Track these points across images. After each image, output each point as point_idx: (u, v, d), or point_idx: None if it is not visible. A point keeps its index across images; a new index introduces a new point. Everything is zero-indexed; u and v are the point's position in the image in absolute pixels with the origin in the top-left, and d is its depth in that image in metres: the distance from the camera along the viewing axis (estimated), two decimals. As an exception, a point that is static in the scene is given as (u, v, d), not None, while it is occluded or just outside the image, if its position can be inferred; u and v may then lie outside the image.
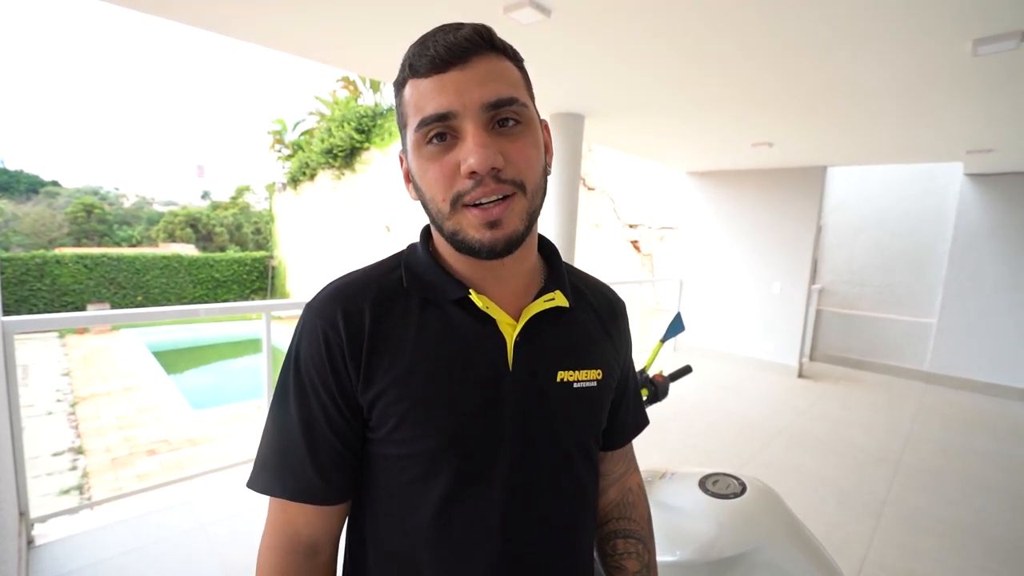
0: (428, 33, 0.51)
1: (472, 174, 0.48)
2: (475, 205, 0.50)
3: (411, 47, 0.52)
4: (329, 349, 0.53)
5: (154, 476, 4.16)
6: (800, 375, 5.26)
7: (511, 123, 0.50)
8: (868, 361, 5.70)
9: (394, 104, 0.57)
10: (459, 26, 0.51)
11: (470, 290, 0.56)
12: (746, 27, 2.01)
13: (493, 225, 0.50)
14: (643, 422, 0.77)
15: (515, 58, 0.54)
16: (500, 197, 0.50)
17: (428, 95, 0.49)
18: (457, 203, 0.50)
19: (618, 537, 0.72)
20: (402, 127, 0.54)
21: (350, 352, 0.53)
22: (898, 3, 1.74)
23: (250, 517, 2.25)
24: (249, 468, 2.81)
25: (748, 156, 4.74)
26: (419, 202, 0.55)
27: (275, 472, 0.55)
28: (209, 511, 2.30)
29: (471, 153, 0.48)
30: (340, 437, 0.55)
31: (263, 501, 0.58)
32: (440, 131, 0.49)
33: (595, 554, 0.72)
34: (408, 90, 0.52)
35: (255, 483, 0.56)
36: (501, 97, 0.49)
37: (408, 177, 0.57)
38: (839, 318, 5.93)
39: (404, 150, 0.55)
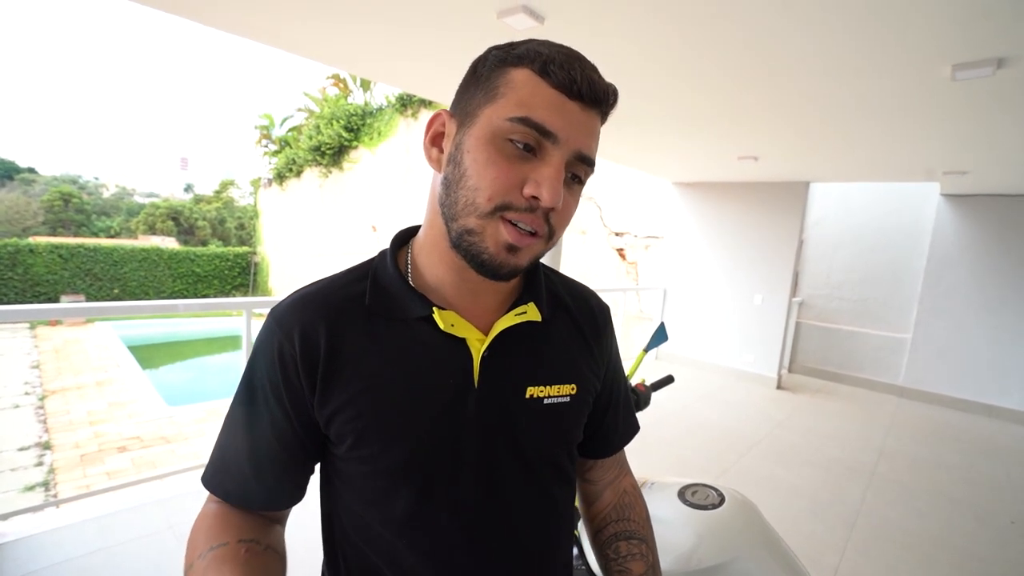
0: (572, 53, 0.49)
1: (534, 199, 0.47)
2: (511, 222, 0.48)
3: (551, 47, 0.49)
4: (283, 361, 0.52)
5: (125, 474, 4.05)
6: (779, 386, 5.34)
7: (577, 182, 0.51)
8: (844, 374, 5.82)
9: (478, 66, 0.51)
10: (597, 73, 0.50)
11: (433, 308, 0.54)
12: (734, 45, 2.04)
13: (513, 250, 0.49)
14: (634, 429, 0.76)
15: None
16: (531, 231, 0.49)
17: (545, 103, 0.46)
18: (497, 212, 0.48)
19: (619, 540, 0.70)
20: (485, 96, 0.48)
21: (304, 367, 0.52)
22: (881, 27, 1.79)
23: (223, 518, 2.20)
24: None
25: (734, 169, 4.82)
26: (435, 177, 0.52)
27: (219, 472, 0.55)
28: (181, 511, 2.24)
29: (550, 183, 0.46)
30: (285, 447, 0.54)
31: None
32: (529, 139, 0.47)
33: (595, 561, 0.71)
34: (525, 77, 0.47)
35: (203, 477, 0.56)
36: (590, 157, 0.50)
37: (437, 140, 0.52)
38: (817, 331, 6.04)
39: (461, 115, 0.50)
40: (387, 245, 0.61)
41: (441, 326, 0.54)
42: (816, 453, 3.59)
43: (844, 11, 1.71)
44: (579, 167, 0.50)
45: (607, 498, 0.73)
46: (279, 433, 0.53)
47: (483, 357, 0.55)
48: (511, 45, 0.49)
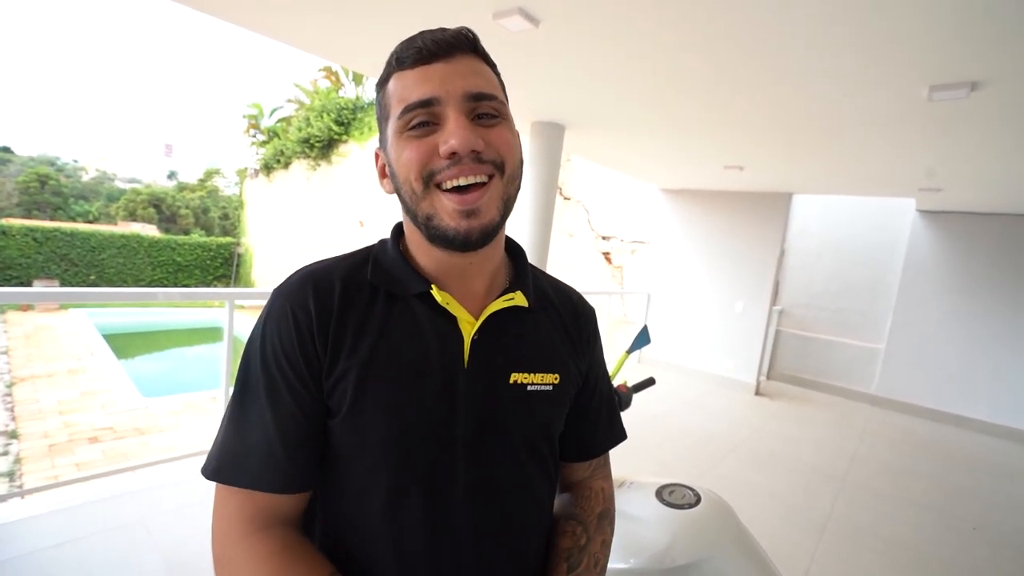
0: (415, 34, 0.53)
1: (452, 155, 0.49)
2: (452, 190, 0.51)
3: (398, 45, 0.54)
4: (299, 329, 0.53)
5: (95, 465, 3.96)
6: (757, 392, 5.44)
7: (490, 117, 0.52)
8: (820, 382, 5.95)
9: (376, 101, 0.57)
10: (445, 28, 0.53)
11: (431, 285, 0.56)
12: (725, 56, 2.08)
13: (470, 214, 0.51)
14: (619, 436, 0.76)
15: (493, 66, 0.57)
16: (478, 182, 0.51)
17: (413, 84, 0.51)
18: (430, 182, 0.51)
19: (558, 519, 0.69)
20: (383, 120, 0.55)
21: (319, 333, 0.53)
22: (864, 46, 1.84)
23: (197, 511, 2.16)
24: (198, 461, 2.71)
25: (719, 177, 4.89)
26: (395, 195, 0.56)
27: (242, 463, 0.53)
28: (153, 504, 2.20)
29: (452, 134, 0.49)
30: (311, 420, 0.54)
31: (210, 495, 0.55)
32: (423, 118, 0.50)
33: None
34: (392, 83, 0.53)
35: (220, 475, 0.53)
36: (483, 91, 0.52)
37: (384, 172, 0.57)
38: (796, 339, 6.16)
39: (383, 144, 0.56)
40: (375, 240, 0.64)
41: (439, 300, 0.56)
42: (791, 459, 3.67)
43: (830, 29, 1.76)
44: (481, 105, 0.52)
45: (571, 491, 0.73)
46: (304, 407, 0.53)
47: (473, 340, 0.57)
48: (383, 69, 0.56)
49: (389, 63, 0.54)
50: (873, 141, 3.04)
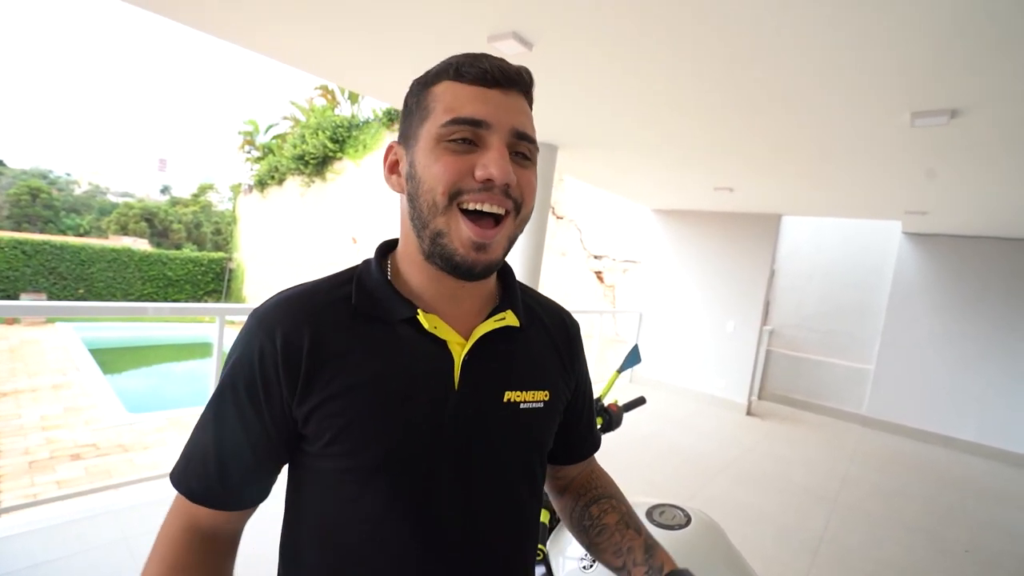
0: (479, 52, 0.54)
1: (487, 181, 0.50)
2: (472, 213, 0.51)
3: (458, 56, 0.54)
4: (263, 360, 0.53)
5: (77, 483, 3.86)
6: (748, 412, 5.44)
7: (524, 158, 0.54)
8: (811, 402, 5.96)
9: (409, 96, 0.56)
10: (507, 61, 0.54)
11: (418, 310, 0.56)
12: (715, 82, 2.15)
13: (480, 248, 0.52)
14: (596, 443, 0.79)
15: (531, 108, 0.58)
16: (498, 212, 0.52)
17: (468, 100, 0.51)
18: (454, 201, 0.51)
19: (590, 506, 0.72)
20: (418, 119, 0.54)
21: (284, 366, 0.52)
22: (849, 71, 1.91)
23: (180, 531, 2.12)
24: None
25: (710, 199, 4.97)
26: (401, 198, 0.56)
27: (185, 470, 0.55)
28: (136, 523, 2.15)
29: (494, 162, 0.50)
30: (254, 449, 0.54)
31: None
32: (467, 136, 0.51)
33: (580, 539, 0.73)
34: (442, 88, 0.53)
35: (171, 473, 0.56)
36: (528, 132, 0.53)
37: (395, 168, 0.57)
38: (787, 359, 6.19)
39: (406, 141, 0.56)
40: (368, 256, 0.63)
41: (426, 326, 0.56)
42: (782, 479, 3.66)
43: (817, 56, 1.82)
44: (521, 145, 0.53)
45: (577, 482, 0.76)
46: (250, 435, 0.54)
47: (464, 361, 0.57)
48: (429, 70, 0.55)
49: (445, 68, 0.53)
50: (859, 165, 3.11)
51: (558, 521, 1.45)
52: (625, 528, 0.68)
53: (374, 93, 3.10)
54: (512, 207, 0.53)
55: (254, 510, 0.59)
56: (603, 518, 0.70)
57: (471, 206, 0.51)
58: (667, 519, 1.30)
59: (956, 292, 5.13)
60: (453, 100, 0.51)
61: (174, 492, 0.55)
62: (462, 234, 0.51)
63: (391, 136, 10.85)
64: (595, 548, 0.70)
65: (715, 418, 5.13)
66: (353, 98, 13.94)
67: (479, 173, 0.50)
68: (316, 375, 0.53)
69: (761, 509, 3.11)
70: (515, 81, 0.53)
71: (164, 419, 5.36)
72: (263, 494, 0.57)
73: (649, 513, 1.32)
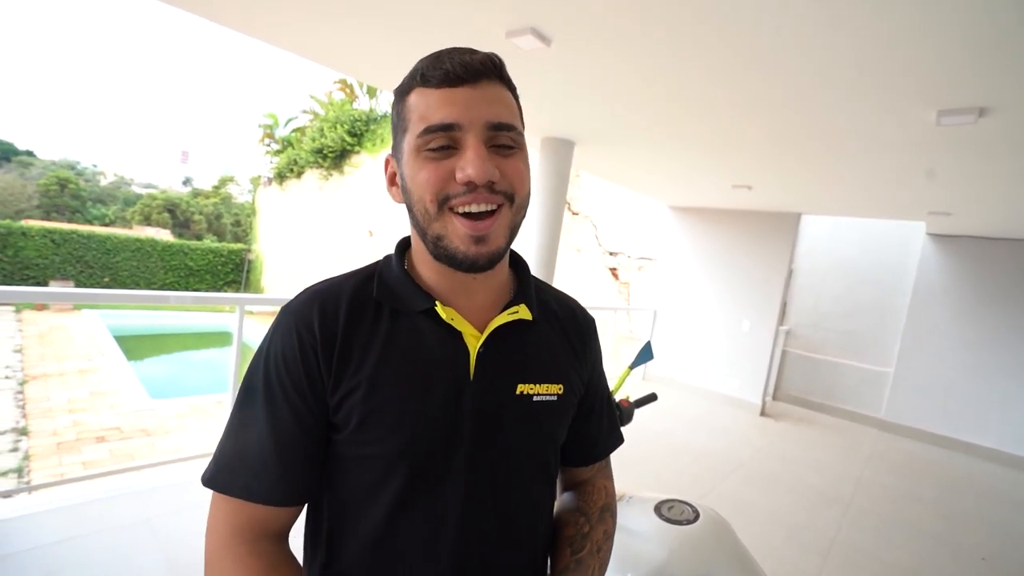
0: (443, 50, 0.54)
1: (468, 183, 0.51)
2: (465, 215, 0.52)
3: (423, 60, 0.54)
4: (303, 349, 0.55)
5: (101, 464, 4.00)
6: (762, 413, 5.38)
7: (506, 148, 0.54)
8: (827, 404, 5.87)
9: (392, 108, 0.58)
10: (473, 51, 0.54)
11: (436, 302, 0.58)
12: (735, 78, 2.12)
13: (479, 241, 0.53)
14: (617, 440, 0.78)
15: (515, 91, 0.58)
16: (489, 209, 0.52)
17: (436, 105, 0.52)
18: (444, 205, 0.52)
19: (562, 513, 0.72)
20: (399, 131, 0.56)
21: (323, 352, 0.55)
22: (874, 68, 1.87)
23: (200, 514, 2.17)
24: (203, 464, 2.72)
25: (728, 196, 4.91)
26: (404, 205, 0.58)
27: (237, 473, 0.55)
28: (157, 504, 2.22)
29: (470, 163, 0.50)
30: (310, 436, 0.56)
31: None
32: (443, 142, 0.51)
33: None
34: (414, 97, 0.54)
35: (215, 482, 0.55)
36: (503, 121, 0.53)
37: (393, 180, 0.59)
38: (803, 360, 6.10)
39: (395, 153, 0.57)
40: (384, 250, 0.66)
41: (443, 317, 0.58)
42: (795, 481, 3.62)
43: (841, 51, 1.79)
44: (500, 136, 0.53)
45: (575, 489, 0.76)
46: (302, 424, 0.55)
47: (479, 353, 0.58)
48: (402, 80, 0.56)
49: (413, 76, 0.54)
50: (882, 164, 3.05)
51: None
52: (565, 547, 0.68)
53: (391, 87, 3.12)
54: (503, 199, 0.53)
55: (302, 509, 0.60)
56: (562, 528, 0.70)
57: (461, 209, 0.52)
58: (675, 514, 1.31)
59: (980, 295, 5.00)
60: (424, 108, 0.52)
61: (205, 492, 0.55)
62: (459, 232, 0.53)
63: (408, 130, 10.89)
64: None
65: (728, 417, 5.09)
66: (371, 92, 14.04)
67: (459, 176, 0.51)
68: (346, 365, 0.55)
69: (772, 509, 3.09)
70: (481, 72, 0.52)
71: (185, 405, 5.51)
72: (318, 485, 0.59)
73: (657, 508, 1.33)
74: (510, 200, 0.54)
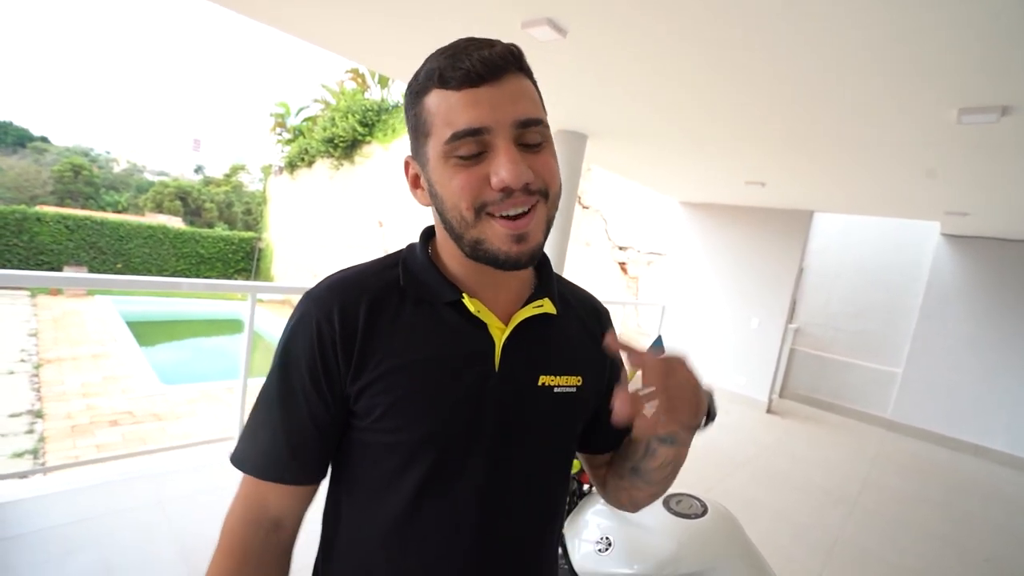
0: (458, 45, 0.51)
1: (504, 189, 0.50)
2: (502, 216, 0.52)
3: (438, 57, 0.51)
4: (321, 339, 0.55)
5: (114, 447, 4.07)
6: (769, 410, 5.37)
7: (535, 144, 0.53)
8: (835, 403, 5.84)
9: (407, 108, 0.55)
10: (491, 42, 0.51)
11: (463, 294, 0.58)
12: (751, 74, 2.10)
13: (520, 239, 0.52)
14: None
15: (534, 79, 0.56)
16: (524, 211, 0.52)
17: (460, 108, 0.49)
18: (481, 212, 0.51)
19: (631, 442, 0.70)
20: (421, 135, 0.53)
21: (342, 344, 0.55)
22: (894, 65, 1.84)
23: (211, 498, 2.22)
24: (214, 448, 2.77)
25: (741, 193, 4.87)
26: (432, 208, 0.57)
27: (250, 449, 0.58)
28: (168, 487, 2.27)
29: (504, 167, 0.49)
30: (317, 423, 0.57)
31: (226, 482, 0.60)
32: (472, 147, 0.50)
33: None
34: (434, 99, 0.51)
35: (234, 457, 0.59)
36: (531, 117, 0.51)
37: (417, 183, 0.57)
38: (811, 359, 6.06)
39: (417, 157, 0.56)
40: (394, 241, 0.65)
41: (471, 309, 0.58)
42: (800, 478, 3.62)
43: (860, 47, 1.76)
44: (528, 133, 0.51)
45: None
46: (314, 414, 0.57)
47: (504, 344, 0.59)
48: (415, 76, 0.53)
49: (429, 75, 0.51)
50: (899, 163, 3.01)
51: (575, 505, 1.48)
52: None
53: (405, 77, 3.12)
54: (539, 196, 0.53)
55: (317, 489, 0.62)
56: (656, 447, 0.65)
57: (499, 213, 0.51)
58: (684, 508, 1.32)
59: (994, 297, 4.93)
60: (448, 112, 0.50)
61: (235, 476, 0.57)
62: (500, 234, 0.52)
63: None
64: (644, 474, 0.66)
65: (735, 414, 5.08)
66: (383, 82, 14.01)
67: (494, 182, 0.50)
68: (369, 354, 0.56)
69: (777, 507, 3.09)
70: (503, 67, 0.50)
71: (196, 391, 5.59)
72: (324, 470, 0.61)
73: (666, 502, 1.34)
74: (544, 196, 0.54)
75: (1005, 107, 2.00)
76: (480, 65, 0.49)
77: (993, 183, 3.08)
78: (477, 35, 0.54)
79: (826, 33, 1.70)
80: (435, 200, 0.55)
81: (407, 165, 0.58)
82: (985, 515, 3.53)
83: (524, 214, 0.52)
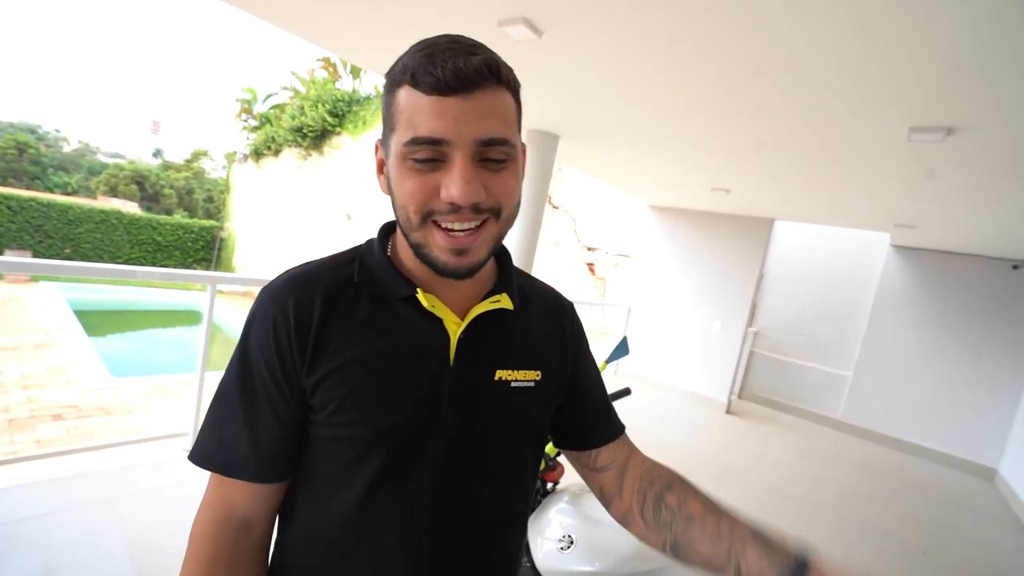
0: (437, 45, 0.50)
1: (452, 204, 0.50)
2: (447, 228, 0.51)
3: (416, 53, 0.50)
4: (276, 334, 0.55)
5: (57, 443, 3.86)
6: (728, 411, 5.55)
7: (496, 162, 0.52)
8: (789, 404, 6.09)
9: (383, 95, 0.54)
10: (471, 50, 0.50)
11: (417, 289, 0.58)
12: (718, 82, 2.16)
13: (460, 253, 0.52)
14: (619, 425, 0.77)
15: (515, 90, 0.55)
16: (473, 226, 0.52)
17: (424, 114, 0.49)
18: (428, 219, 0.52)
19: (664, 495, 0.67)
20: (388, 127, 0.53)
21: (297, 338, 0.55)
22: (851, 81, 1.93)
23: (162, 496, 2.13)
24: (167, 444, 2.66)
25: (706, 198, 5.01)
26: (389, 197, 0.57)
27: (214, 446, 0.57)
28: (118, 485, 2.16)
29: (455, 184, 0.49)
30: (280, 418, 0.56)
31: (180, 479, 0.59)
32: (428, 154, 0.49)
33: (654, 539, 0.66)
34: (405, 97, 0.50)
35: (194, 455, 0.57)
36: (495, 136, 0.50)
37: (382, 168, 0.57)
38: (768, 361, 6.30)
39: (384, 145, 0.55)
40: (362, 234, 0.65)
41: (424, 305, 0.58)
42: (755, 477, 3.76)
43: (822, 65, 1.84)
44: (490, 151, 0.50)
45: (632, 475, 0.71)
46: (276, 409, 0.56)
47: (459, 339, 0.59)
48: (394, 66, 0.52)
49: (404, 70, 0.50)
50: (855, 175, 3.16)
51: (538, 503, 1.50)
52: (718, 513, 0.63)
53: (377, 68, 3.07)
54: (488, 215, 0.52)
55: (283, 489, 0.61)
56: (686, 507, 0.65)
57: (443, 224, 0.51)
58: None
59: (938, 307, 5.25)
60: (412, 115, 0.49)
61: (190, 473, 0.57)
62: (440, 244, 0.52)
63: (391, 114, 10.71)
64: (683, 543, 0.63)
65: (695, 414, 5.23)
66: (355, 72, 13.75)
67: (443, 195, 0.49)
68: (322, 348, 0.56)
69: (734, 504, 3.20)
70: (475, 81, 0.48)
71: (149, 384, 5.34)
72: (291, 467, 0.60)
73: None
74: (496, 215, 0.53)
75: (950, 128, 2.13)
76: (452, 76, 0.48)
77: (940, 199, 3.28)
78: (452, 28, 0.53)
79: (791, 50, 1.76)
80: (390, 194, 0.55)
81: (376, 148, 0.57)
82: (924, 511, 3.75)
83: (470, 230, 0.52)
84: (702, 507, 0.64)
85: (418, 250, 0.54)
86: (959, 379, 5.07)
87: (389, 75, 0.53)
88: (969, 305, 5.08)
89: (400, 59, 0.52)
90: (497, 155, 0.51)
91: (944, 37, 1.51)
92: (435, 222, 0.52)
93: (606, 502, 0.72)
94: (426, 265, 0.55)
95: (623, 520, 0.70)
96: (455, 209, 0.50)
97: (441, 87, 0.48)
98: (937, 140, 2.22)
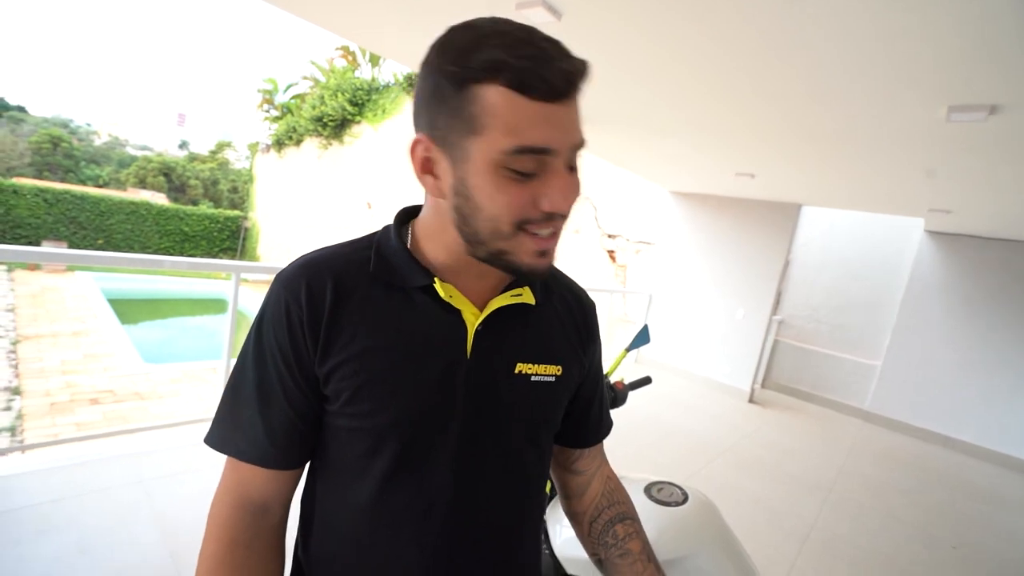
0: (530, 40, 0.46)
1: (550, 213, 0.49)
2: (534, 234, 0.51)
3: (513, 51, 0.44)
4: (290, 320, 0.54)
5: (95, 426, 4.02)
6: (751, 400, 5.46)
7: (575, 165, 0.52)
8: (814, 394, 5.96)
9: (441, 85, 0.47)
10: (566, 50, 0.47)
11: (435, 279, 0.57)
12: (746, 63, 2.08)
13: (543, 254, 0.52)
14: (608, 426, 0.79)
15: None
16: (552, 233, 0.52)
17: (534, 122, 0.45)
18: (520, 228, 0.50)
19: (616, 523, 0.73)
20: (466, 129, 0.46)
21: (310, 325, 0.54)
22: (886, 61, 1.84)
23: (193, 477, 2.21)
24: (197, 429, 2.76)
25: (730, 184, 4.88)
26: (445, 201, 0.52)
27: (229, 431, 0.57)
28: (150, 467, 2.24)
29: (560, 194, 0.48)
30: (294, 405, 0.56)
31: (207, 463, 0.60)
32: (533, 166, 0.47)
33: (588, 544, 0.74)
34: (499, 99, 0.44)
35: (210, 438, 0.58)
36: (583, 140, 0.50)
37: (427, 168, 0.51)
38: (793, 350, 6.17)
39: (450, 147, 0.48)
40: (383, 223, 0.64)
41: (442, 295, 0.57)
42: (778, 467, 3.70)
43: (854, 44, 1.75)
44: (575, 156, 0.51)
45: (595, 487, 0.76)
46: (290, 396, 0.56)
47: (477, 331, 0.58)
48: (460, 52, 0.45)
49: (493, 66, 0.44)
50: (887, 159, 3.03)
51: (556, 492, 1.50)
52: (647, 561, 0.70)
53: (396, 56, 3.05)
54: (564, 223, 0.53)
55: (301, 474, 0.61)
56: (628, 542, 0.71)
57: (533, 231, 0.50)
58: (665, 496, 1.33)
59: (973, 294, 5.04)
60: (517, 122, 0.44)
61: (218, 458, 0.57)
62: (528, 249, 0.51)
63: (411, 102, 10.71)
64: (611, 569, 0.71)
65: (717, 403, 5.16)
66: (374, 60, 13.75)
67: (545, 204, 0.48)
68: (336, 337, 0.55)
69: (755, 494, 3.16)
70: (578, 88, 0.47)
71: (179, 371, 5.53)
72: (308, 453, 0.60)
73: (647, 489, 1.35)
74: (565, 220, 0.53)
75: (994, 106, 2.01)
76: (564, 80, 0.45)
77: (978, 182, 3.13)
78: (470, 13, 0.51)
79: (822, 28, 1.68)
80: (460, 199, 0.50)
81: (418, 144, 0.51)
82: (953, 504, 3.65)
83: (553, 233, 0.52)
84: (640, 550, 0.71)
85: (499, 256, 0.52)
86: (992, 370, 4.88)
87: (459, 58, 0.45)
88: (1006, 293, 4.87)
89: (474, 45, 0.45)
90: (576, 159, 0.51)
91: (987, 6, 1.42)
92: (525, 230, 0.50)
93: (565, 496, 0.77)
94: (500, 268, 0.54)
95: (571, 517, 0.77)
96: (550, 217, 0.49)
97: (555, 93, 0.45)
98: (979, 120, 2.11)
